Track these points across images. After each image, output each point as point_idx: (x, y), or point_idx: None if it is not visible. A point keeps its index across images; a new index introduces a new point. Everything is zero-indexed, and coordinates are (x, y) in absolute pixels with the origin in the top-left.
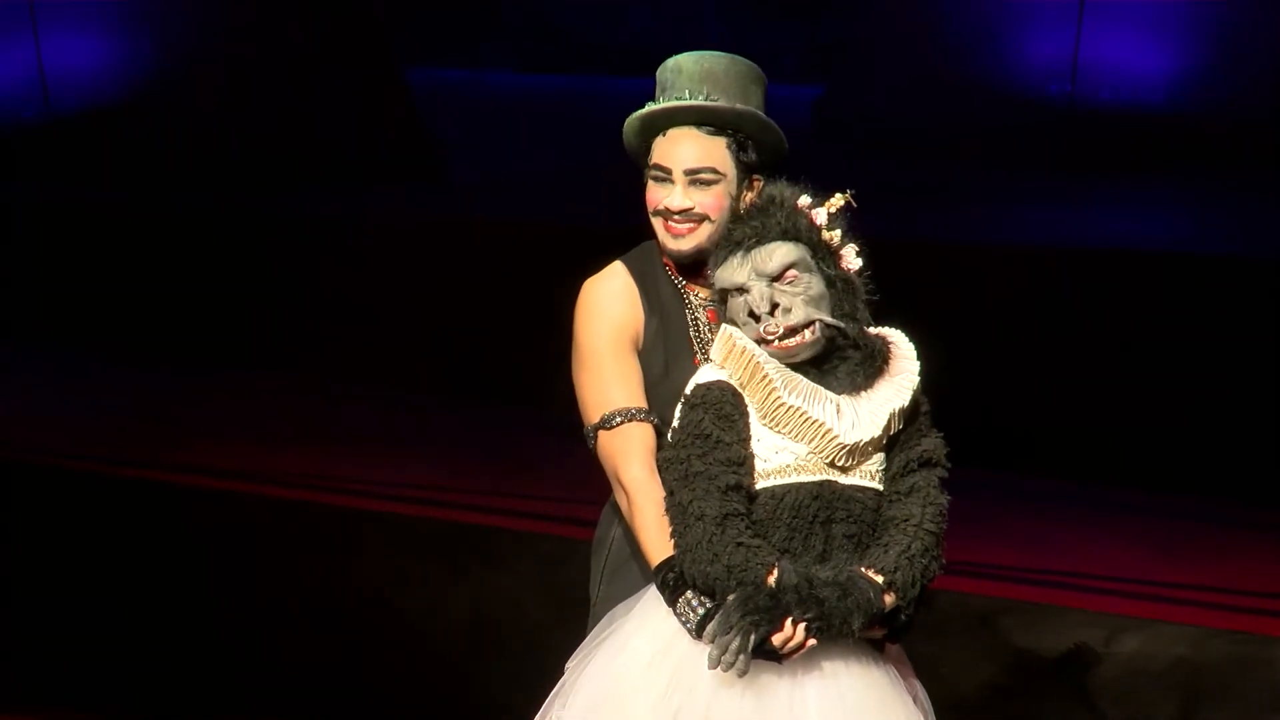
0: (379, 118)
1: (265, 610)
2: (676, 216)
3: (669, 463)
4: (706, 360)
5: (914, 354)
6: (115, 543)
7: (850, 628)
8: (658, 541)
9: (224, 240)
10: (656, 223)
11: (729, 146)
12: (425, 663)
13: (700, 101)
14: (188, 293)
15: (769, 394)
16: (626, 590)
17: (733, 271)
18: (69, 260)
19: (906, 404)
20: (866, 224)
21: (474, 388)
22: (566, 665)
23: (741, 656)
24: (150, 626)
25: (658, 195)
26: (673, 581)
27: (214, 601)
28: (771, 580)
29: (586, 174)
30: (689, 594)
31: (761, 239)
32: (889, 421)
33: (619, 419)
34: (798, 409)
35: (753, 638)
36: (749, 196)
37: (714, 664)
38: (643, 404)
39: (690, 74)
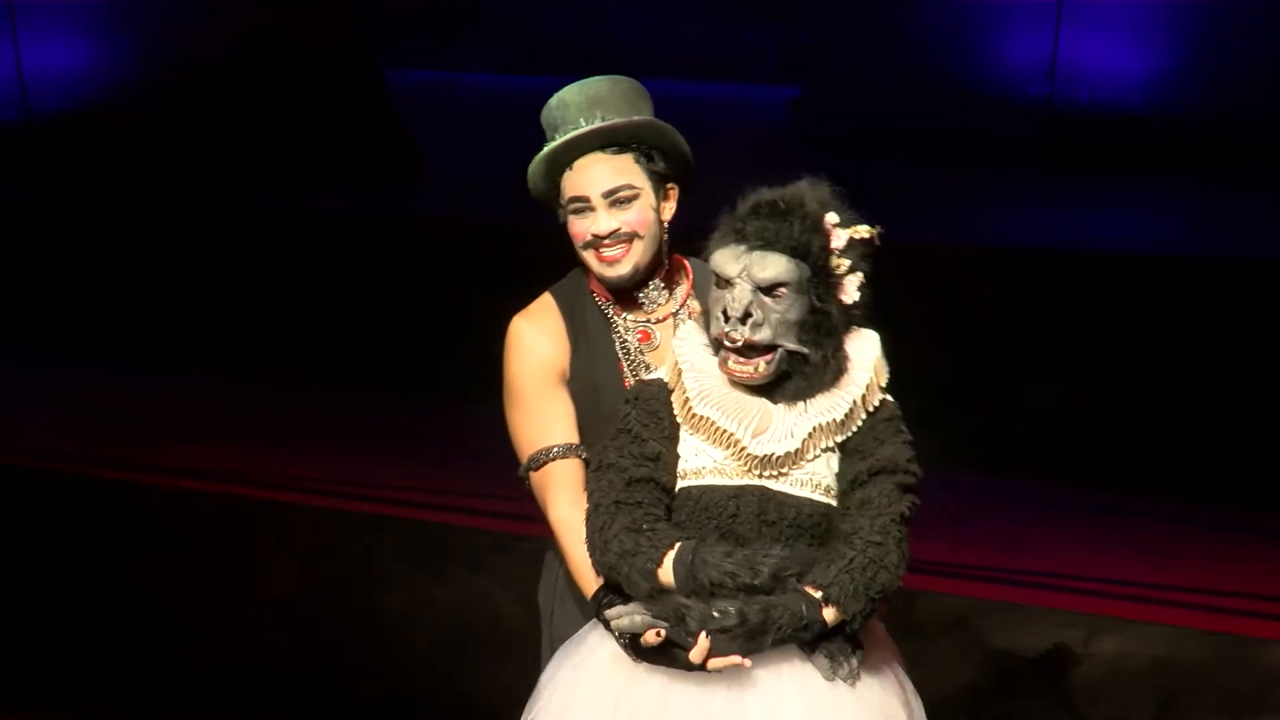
0: (358, 119)
1: (241, 612)
2: (606, 241)
3: (594, 456)
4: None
5: (870, 365)
6: (90, 544)
7: (762, 644)
8: (589, 575)
9: (203, 241)
10: (588, 255)
11: (637, 160)
12: (403, 664)
13: (597, 124)
14: (166, 293)
15: (684, 399)
16: (579, 610)
17: (727, 261)
18: (46, 262)
19: (839, 418)
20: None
21: (451, 388)
22: (540, 678)
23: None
24: (123, 627)
25: (582, 226)
26: (603, 610)
27: (191, 603)
28: (667, 561)
29: None
30: (617, 609)
31: (769, 245)
32: (812, 435)
33: (544, 458)
34: (706, 417)
35: (643, 624)
36: (667, 207)
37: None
38: (571, 439)
39: (577, 104)
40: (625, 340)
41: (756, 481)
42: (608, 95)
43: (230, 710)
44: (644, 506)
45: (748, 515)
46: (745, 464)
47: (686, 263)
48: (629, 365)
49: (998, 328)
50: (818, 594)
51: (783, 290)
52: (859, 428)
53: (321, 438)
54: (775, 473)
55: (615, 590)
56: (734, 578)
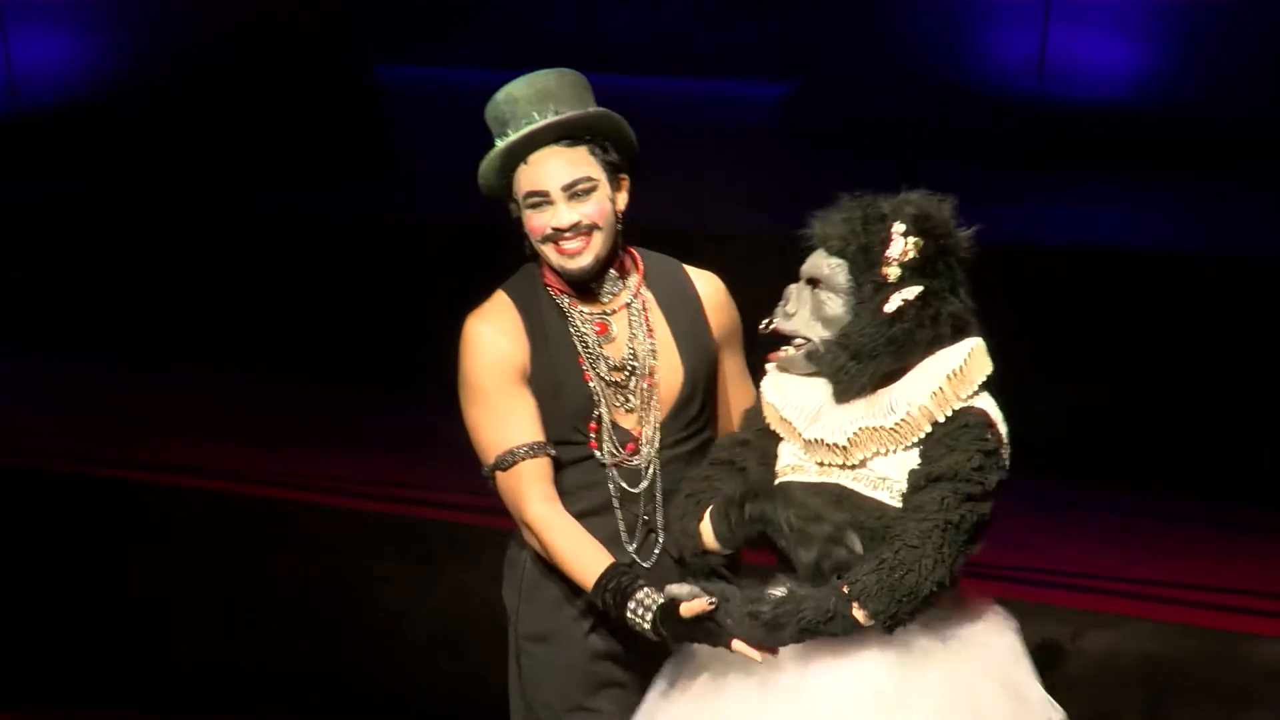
0: (343, 116)
1: (238, 608)
2: (568, 234)
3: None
4: (597, 376)
5: (941, 374)
6: (81, 540)
7: (783, 636)
8: (582, 566)
9: (188, 237)
10: (547, 249)
11: (592, 152)
12: (398, 658)
13: (553, 118)
14: (151, 290)
15: (762, 394)
16: (545, 606)
17: (809, 259)
18: (33, 257)
19: (888, 424)
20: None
21: (439, 384)
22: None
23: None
24: (115, 623)
25: (541, 220)
26: (615, 593)
27: (186, 599)
28: (707, 515)
29: None
30: (638, 596)
31: (828, 247)
32: (859, 435)
33: (511, 458)
34: (773, 404)
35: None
36: (621, 197)
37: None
38: (537, 437)
39: (527, 98)
40: (583, 333)
41: (834, 479)
42: (555, 88)
43: (225, 709)
44: (711, 480)
45: (831, 509)
46: (811, 455)
47: (636, 253)
48: (588, 358)
49: (986, 324)
50: (845, 589)
51: (821, 286)
52: (929, 434)
53: (308, 436)
54: (841, 464)
55: (620, 576)
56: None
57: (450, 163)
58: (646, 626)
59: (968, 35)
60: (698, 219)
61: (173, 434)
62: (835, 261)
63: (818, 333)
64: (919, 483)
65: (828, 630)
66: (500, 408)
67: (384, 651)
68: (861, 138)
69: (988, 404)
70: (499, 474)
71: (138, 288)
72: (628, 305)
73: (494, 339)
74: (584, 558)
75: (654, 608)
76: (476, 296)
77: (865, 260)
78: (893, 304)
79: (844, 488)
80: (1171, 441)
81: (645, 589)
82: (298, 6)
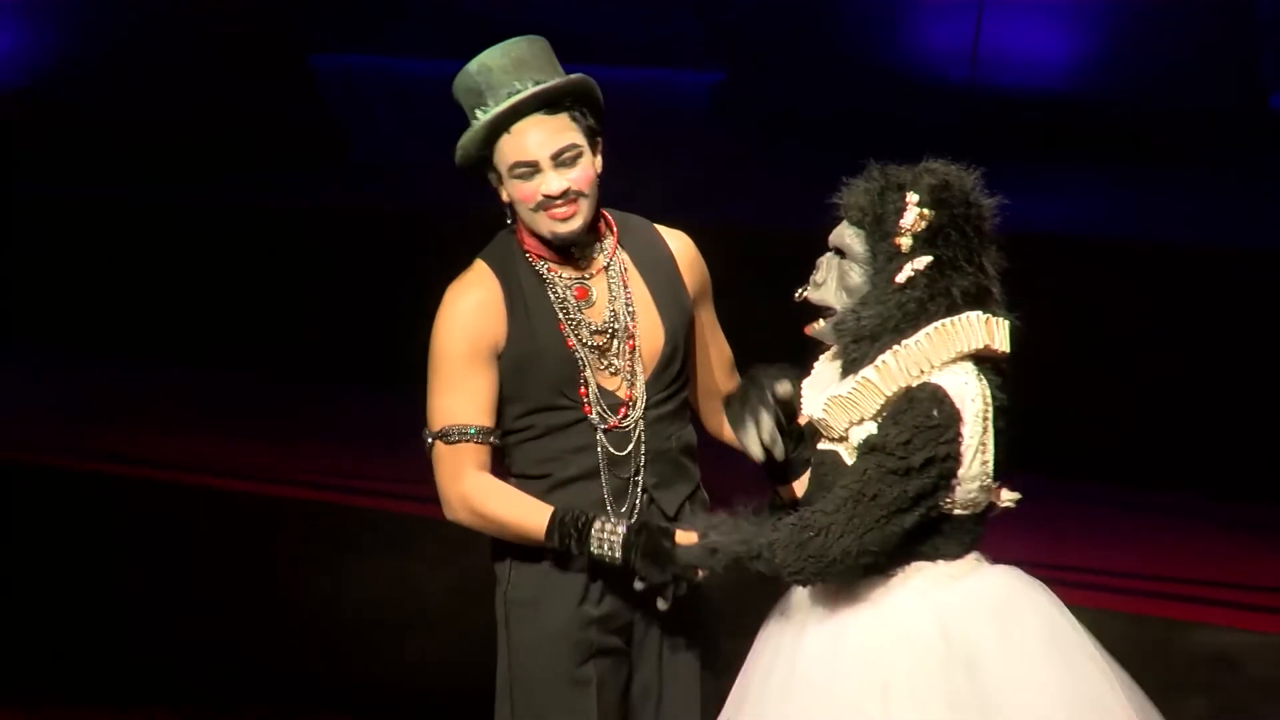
0: (283, 104)
1: (174, 596)
2: (558, 200)
3: None
4: (579, 342)
5: (908, 346)
6: (34, 531)
7: (714, 564)
8: (529, 513)
9: (129, 229)
10: (538, 216)
11: (573, 119)
12: (334, 645)
13: (535, 88)
14: (97, 282)
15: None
16: (537, 572)
17: (836, 229)
18: None
19: (845, 392)
20: (767, 211)
21: (376, 373)
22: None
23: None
24: (59, 613)
25: (530, 188)
26: (577, 527)
27: (125, 589)
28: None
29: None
30: (597, 525)
31: (849, 217)
32: (829, 406)
33: (457, 436)
34: (798, 383)
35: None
36: (598, 161)
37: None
38: (489, 423)
39: (503, 67)
40: (563, 299)
41: (831, 446)
42: (529, 56)
43: (168, 694)
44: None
45: (825, 480)
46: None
47: (609, 215)
48: (569, 324)
49: None
50: (769, 538)
51: (845, 257)
52: (884, 405)
53: (259, 424)
54: (830, 435)
55: (575, 514)
56: None
57: (394, 149)
58: (614, 554)
59: (901, 24)
60: (628, 203)
61: (110, 423)
62: (855, 231)
63: (843, 302)
64: (861, 450)
65: (753, 568)
66: (462, 383)
67: (318, 637)
68: (794, 125)
69: (954, 379)
70: (440, 443)
71: (86, 280)
72: (605, 268)
73: (471, 313)
74: (528, 510)
75: (625, 529)
76: (418, 286)
77: (880, 230)
78: (904, 274)
79: (837, 456)
80: (1105, 428)
81: (600, 520)
82: None
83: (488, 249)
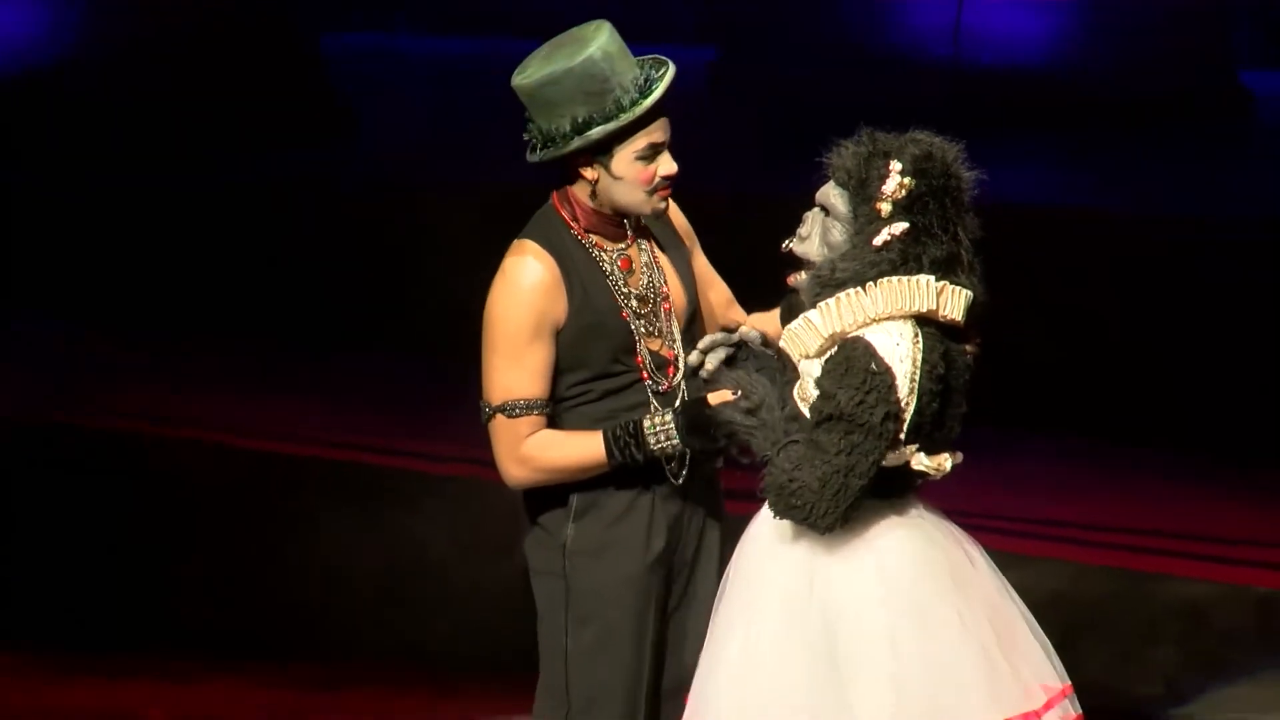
0: (290, 84)
1: (175, 554)
2: (667, 181)
3: None
4: (630, 311)
5: (855, 296)
6: (39, 487)
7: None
8: (584, 448)
9: (139, 208)
10: (651, 197)
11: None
12: (338, 602)
13: (668, 73)
14: (110, 261)
15: None
16: (600, 522)
17: (823, 187)
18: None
19: (793, 329)
20: (757, 185)
21: (375, 338)
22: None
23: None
24: (55, 567)
25: (653, 169)
26: (630, 435)
27: (127, 545)
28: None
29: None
30: (647, 424)
31: (836, 178)
32: (785, 338)
33: (520, 410)
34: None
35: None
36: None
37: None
38: (546, 394)
39: (621, 53)
40: (611, 271)
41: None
42: (622, 42)
43: (170, 651)
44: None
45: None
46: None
47: None
48: (620, 295)
49: None
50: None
51: (829, 214)
52: (822, 346)
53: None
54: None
55: (623, 426)
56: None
57: (403, 127)
58: (672, 442)
59: (887, 3)
60: None
61: (118, 383)
62: (840, 192)
63: (824, 257)
64: (817, 421)
65: (762, 455)
66: (523, 359)
67: (322, 595)
68: (784, 103)
69: (885, 338)
70: (501, 416)
71: (91, 258)
72: (636, 240)
73: (533, 290)
74: (583, 446)
75: (671, 414)
76: (418, 256)
77: (863, 194)
78: (880, 238)
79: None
80: (1079, 384)
81: (647, 419)
82: None
83: (532, 227)
